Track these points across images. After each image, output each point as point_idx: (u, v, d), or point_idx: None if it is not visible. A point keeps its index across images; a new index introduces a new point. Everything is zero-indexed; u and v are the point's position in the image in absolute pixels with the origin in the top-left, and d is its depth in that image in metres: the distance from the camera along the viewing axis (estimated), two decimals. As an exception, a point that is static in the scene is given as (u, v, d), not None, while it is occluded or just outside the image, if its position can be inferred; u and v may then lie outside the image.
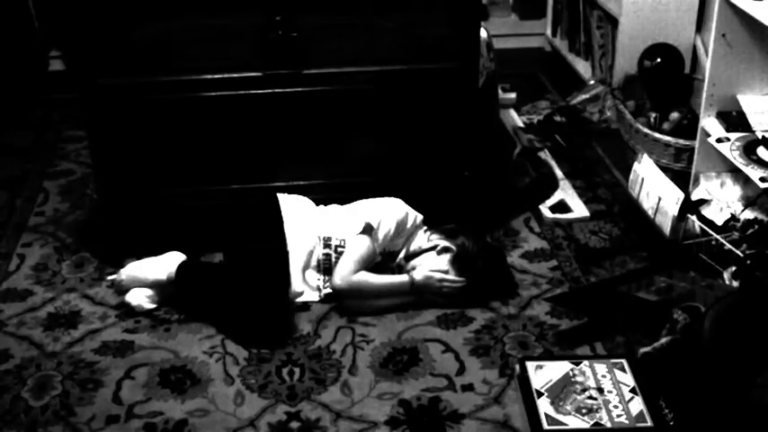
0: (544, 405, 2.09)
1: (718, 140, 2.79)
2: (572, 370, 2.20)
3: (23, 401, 2.23)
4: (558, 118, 3.60)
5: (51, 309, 2.58)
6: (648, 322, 2.40)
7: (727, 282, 2.49)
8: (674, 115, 3.24)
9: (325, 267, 2.59)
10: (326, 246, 2.60)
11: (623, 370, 2.20)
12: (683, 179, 2.97)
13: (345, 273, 2.50)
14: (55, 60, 4.28)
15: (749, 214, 2.67)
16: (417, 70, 2.66)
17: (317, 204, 2.73)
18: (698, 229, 2.67)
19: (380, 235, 2.60)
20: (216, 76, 2.60)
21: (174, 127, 2.65)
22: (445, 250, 2.59)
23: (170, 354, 2.39)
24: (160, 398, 2.23)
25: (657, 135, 3.12)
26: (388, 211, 2.63)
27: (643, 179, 2.97)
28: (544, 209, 3.05)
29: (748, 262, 2.42)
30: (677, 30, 3.51)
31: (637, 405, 2.09)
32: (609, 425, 2.04)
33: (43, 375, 2.32)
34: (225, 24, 2.57)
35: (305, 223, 2.62)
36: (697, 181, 2.92)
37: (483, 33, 2.85)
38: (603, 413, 2.07)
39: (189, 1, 2.54)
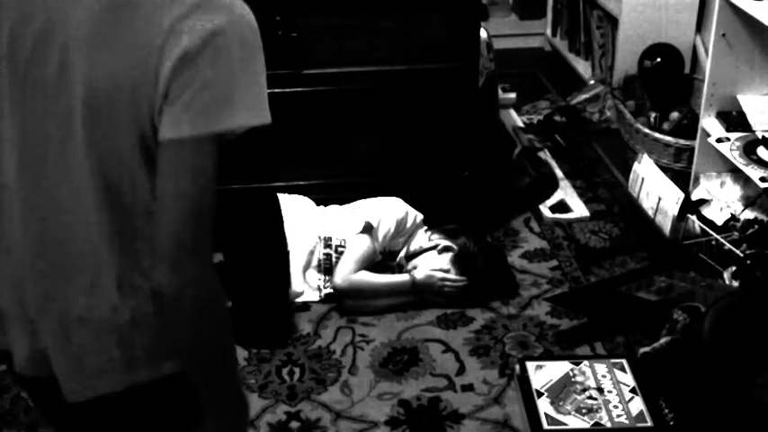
0: (544, 405, 2.09)
1: (718, 140, 2.79)
2: (572, 370, 2.20)
3: (23, 401, 2.23)
4: (558, 118, 3.60)
5: (51, 309, 2.58)
6: (648, 322, 2.40)
7: (727, 282, 2.49)
8: (674, 115, 3.23)
9: (326, 267, 2.59)
10: (327, 246, 2.60)
11: (623, 370, 2.20)
12: (683, 179, 2.97)
13: (346, 272, 2.50)
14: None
15: (749, 214, 2.67)
16: (417, 70, 2.66)
17: (317, 204, 2.73)
18: (698, 229, 2.67)
19: (381, 234, 2.60)
20: (216, 76, 2.60)
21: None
22: (446, 250, 2.59)
23: (170, 354, 2.39)
24: (160, 398, 2.23)
25: (657, 135, 3.12)
26: (388, 211, 2.63)
27: (643, 179, 2.97)
28: (544, 209, 3.05)
29: (748, 262, 2.42)
30: (677, 30, 3.51)
31: (637, 405, 2.09)
32: (609, 425, 2.04)
33: (43, 375, 2.32)
34: (225, 24, 2.57)
35: (305, 223, 2.62)
36: (697, 181, 2.92)
37: (483, 33, 2.85)
38: (603, 413, 2.07)
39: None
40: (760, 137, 2.73)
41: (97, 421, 1.19)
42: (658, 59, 3.41)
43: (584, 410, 2.08)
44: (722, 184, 2.86)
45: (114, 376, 1.13)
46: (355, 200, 2.73)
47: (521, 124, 3.67)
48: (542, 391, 2.14)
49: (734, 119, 2.82)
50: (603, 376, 2.18)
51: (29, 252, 1.12)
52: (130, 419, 1.18)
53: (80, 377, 1.14)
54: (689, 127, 3.09)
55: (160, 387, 1.16)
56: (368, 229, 2.57)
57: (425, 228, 2.70)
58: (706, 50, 3.30)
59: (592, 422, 2.05)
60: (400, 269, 2.64)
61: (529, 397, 2.12)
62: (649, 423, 2.04)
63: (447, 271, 2.56)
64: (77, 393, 1.14)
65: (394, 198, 2.69)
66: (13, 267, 1.15)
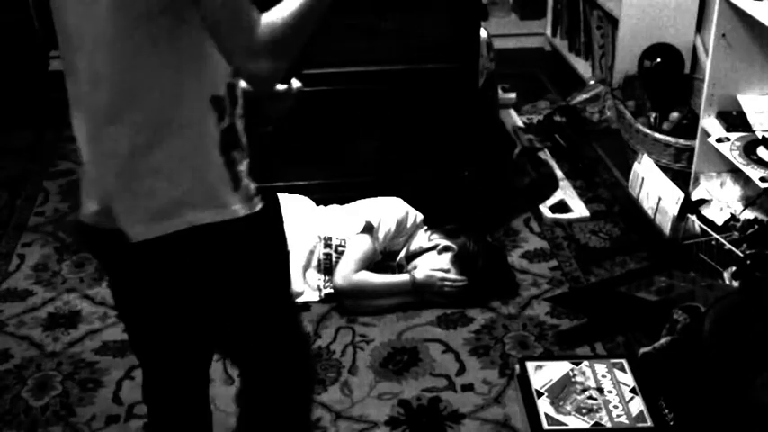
0: (544, 405, 2.09)
1: (718, 140, 2.79)
2: (572, 370, 2.20)
3: (23, 401, 2.23)
4: (558, 118, 3.60)
5: (51, 309, 2.58)
6: (648, 322, 2.40)
7: (727, 282, 2.49)
8: (674, 115, 3.23)
9: (326, 267, 2.59)
10: (327, 245, 2.60)
11: (623, 370, 2.20)
12: (683, 179, 2.97)
13: (347, 272, 2.50)
14: (55, 60, 4.28)
15: (749, 214, 2.67)
16: (417, 70, 2.66)
17: (317, 204, 2.73)
18: (698, 229, 2.67)
19: (381, 234, 2.60)
20: (216, 76, 2.60)
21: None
22: (446, 249, 2.59)
23: (170, 354, 2.39)
24: (160, 398, 2.23)
25: (657, 135, 3.12)
26: (388, 211, 2.63)
27: (643, 179, 2.97)
28: (544, 209, 3.05)
29: (748, 262, 2.42)
30: (677, 30, 3.51)
31: (637, 405, 2.09)
32: (609, 425, 2.04)
33: (43, 375, 2.32)
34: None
35: (305, 223, 2.62)
36: (697, 181, 2.92)
37: (483, 33, 2.85)
38: (603, 413, 2.07)
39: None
40: (760, 137, 2.73)
41: (154, 262, 1.40)
42: (658, 59, 3.41)
43: (584, 410, 2.08)
44: (722, 184, 2.86)
45: (164, 220, 1.34)
46: (355, 200, 2.73)
47: (521, 124, 3.67)
48: (542, 391, 2.14)
49: (734, 119, 2.82)
50: (603, 376, 2.18)
51: (90, 113, 1.35)
52: (183, 262, 1.39)
53: (134, 219, 1.34)
54: (689, 127, 3.09)
55: (207, 233, 1.36)
56: (368, 228, 2.57)
57: (425, 228, 2.70)
58: (706, 50, 3.30)
59: (592, 422, 2.05)
60: (400, 269, 2.64)
61: (529, 397, 2.12)
62: (649, 423, 2.04)
63: (447, 271, 2.56)
64: (137, 235, 1.34)
65: (394, 198, 2.69)
66: (83, 132, 1.38)
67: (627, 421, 2.05)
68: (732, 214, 2.70)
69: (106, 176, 1.36)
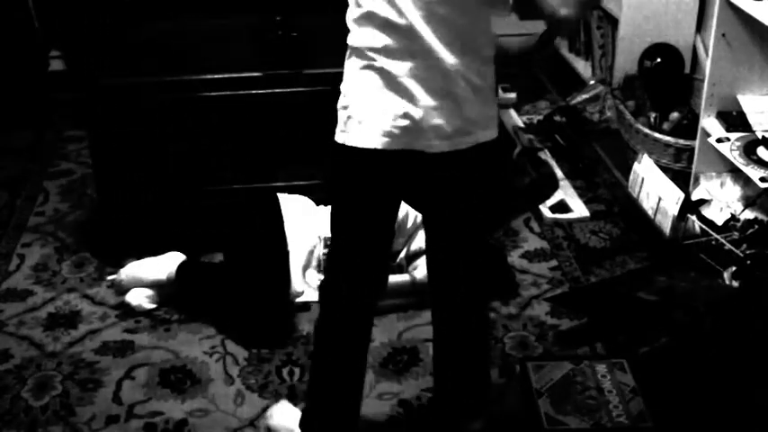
0: (544, 405, 2.09)
1: (718, 140, 2.79)
2: (572, 370, 2.20)
3: (23, 401, 2.23)
4: (558, 118, 3.60)
5: (51, 309, 2.58)
6: (648, 322, 2.40)
7: (727, 282, 2.49)
8: (674, 115, 3.23)
9: (326, 267, 2.59)
10: (327, 246, 2.59)
11: (623, 370, 2.20)
12: (683, 179, 2.97)
13: (345, 273, 2.50)
14: (55, 60, 4.28)
15: (749, 214, 2.67)
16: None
17: (317, 204, 2.73)
18: (698, 229, 2.67)
19: (380, 235, 2.59)
20: (216, 76, 2.60)
21: (174, 127, 2.65)
22: (445, 250, 2.59)
23: (170, 354, 2.39)
24: (160, 398, 2.24)
25: (657, 135, 3.12)
26: (388, 211, 2.63)
27: (643, 179, 2.97)
28: (544, 209, 3.05)
29: (748, 262, 2.42)
30: (677, 30, 3.51)
31: (637, 405, 2.09)
32: (609, 425, 2.04)
33: (43, 375, 2.32)
34: (225, 24, 2.57)
35: (305, 223, 2.62)
36: (697, 181, 2.92)
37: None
38: (603, 413, 2.07)
39: (189, 1, 2.54)
40: (760, 137, 2.73)
41: (448, 170, 1.75)
42: (658, 59, 3.41)
43: (584, 410, 2.08)
44: (722, 184, 2.86)
45: (484, 131, 1.72)
46: (355, 200, 2.72)
47: (521, 124, 3.67)
48: (542, 391, 2.14)
49: (734, 119, 2.82)
50: (603, 376, 2.18)
51: (439, 61, 1.66)
52: (468, 170, 1.76)
53: (458, 127, 1.69)
54: (689, 127, 3.09)
55: (485, 149, 1.73)
56: (368, 229, 2.57)
57: (425, 228, 2.69)
58: (706, 50, 3.30)
59: (592, 422, 2.05)
60: (400, 269, 2.64)
61: (529, 397, 2.12)
62: (649, 423, 2.04)
63: (447, 271, 2.56)
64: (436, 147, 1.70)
65: (394, 198, 2.68)
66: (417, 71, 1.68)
67: (627, 421, 2.05)
68: (732, 214, 2.70)
69: (449, 105, 1.67)
